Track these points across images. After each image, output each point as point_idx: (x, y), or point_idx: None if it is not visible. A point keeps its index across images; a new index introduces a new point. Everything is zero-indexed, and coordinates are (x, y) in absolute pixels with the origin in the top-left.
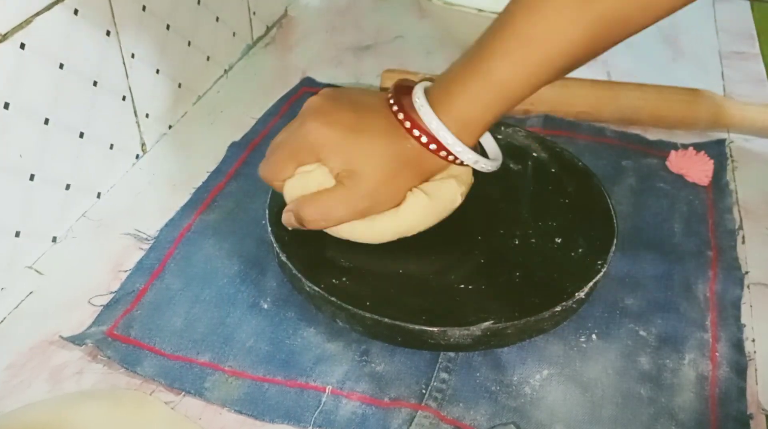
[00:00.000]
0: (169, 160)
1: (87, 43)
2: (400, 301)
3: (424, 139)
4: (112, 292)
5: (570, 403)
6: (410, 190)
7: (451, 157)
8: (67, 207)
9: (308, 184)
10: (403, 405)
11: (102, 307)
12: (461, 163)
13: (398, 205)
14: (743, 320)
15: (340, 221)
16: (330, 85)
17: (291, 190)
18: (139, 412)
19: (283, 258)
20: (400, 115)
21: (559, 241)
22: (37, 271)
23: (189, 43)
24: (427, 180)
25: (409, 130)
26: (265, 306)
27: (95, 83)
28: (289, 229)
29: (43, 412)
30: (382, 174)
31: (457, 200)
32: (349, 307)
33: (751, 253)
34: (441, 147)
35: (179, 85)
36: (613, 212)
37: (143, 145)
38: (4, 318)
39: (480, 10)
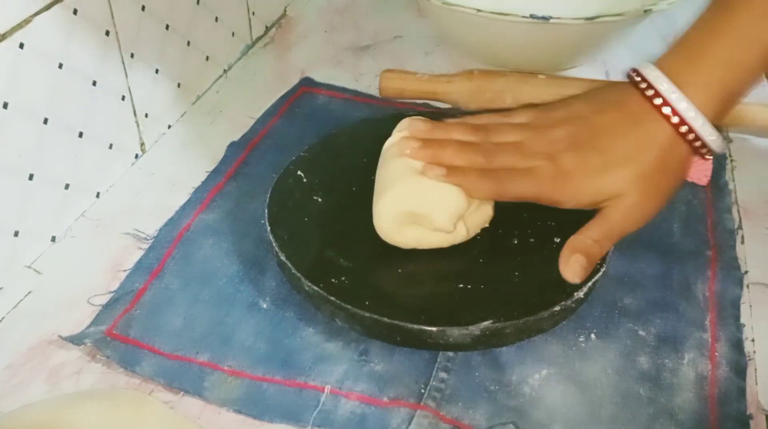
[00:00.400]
0: (169, 159)
1: (86, 42)
2: (399, 300)
3: (675, 119)
4: (111, 292)
5: (569, 402)
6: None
7: (697, 143)
8: (66, 207)
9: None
10: (402, 404)
11: (101, 307)
12: (701, 147)
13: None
14: (743, 320)
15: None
16: (329, 85)
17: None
18: (138, 411)
19: (282, 257)
20: (650, 92)
21: (558, 240)
22: (36, 271)
23: (188, 43)
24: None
25: (659, 108)
26: (264, 305)
27: (94, 83)
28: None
29: (42, 412)
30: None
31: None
32: (348, 306)
33: (750, 253)
34: (690, 129)
35: (178, 85)
36: None
37: (142, 144)
38: (3, 318)
39: (478, 10)
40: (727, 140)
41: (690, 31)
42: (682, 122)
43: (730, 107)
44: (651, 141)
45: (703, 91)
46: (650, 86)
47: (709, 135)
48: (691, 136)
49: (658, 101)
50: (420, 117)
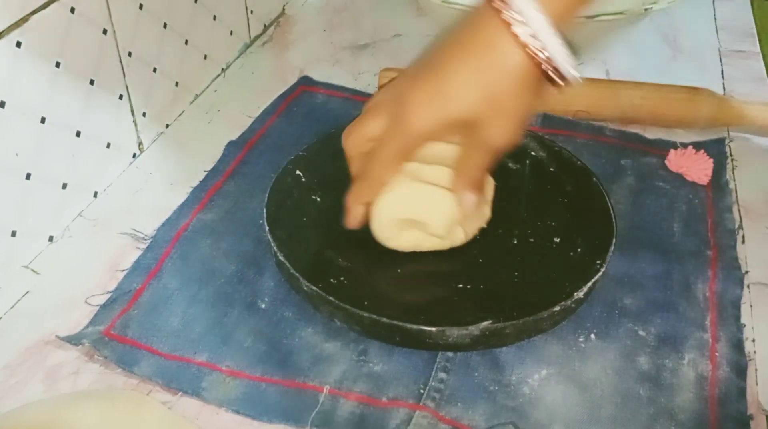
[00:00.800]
0: (166, 159)
1: (84, 41)
2: (398, 300)
3: (519, 30)
4: (108, 292)
5: (569, 403)
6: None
7: (536, 45)
8: (63, 206)
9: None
10: (401, 405)
11: (99, 307)
12: (547, 62)
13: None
14: (743, 320)
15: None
16: (328, 84)
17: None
18: (136, 412)
19: (281, 257)
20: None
21: (558, 240)
22: (34, 271)
23: (186, 42)
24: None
25: (499, 12)
26: (263, 306)
27: (92, 82)
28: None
29: (39, 412)
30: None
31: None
32: (347, 306)
33: (750, 253)
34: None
35: (176, 84)
36: (611, 211)
37: (140, 144)
38: (0, 318)
39: None
40: (728, 140)
41: None
42: (533, 40)
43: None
44: (488, 56)
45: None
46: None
47: (559, 53)
48: (536, 46)
49: (497, 5)
50: None
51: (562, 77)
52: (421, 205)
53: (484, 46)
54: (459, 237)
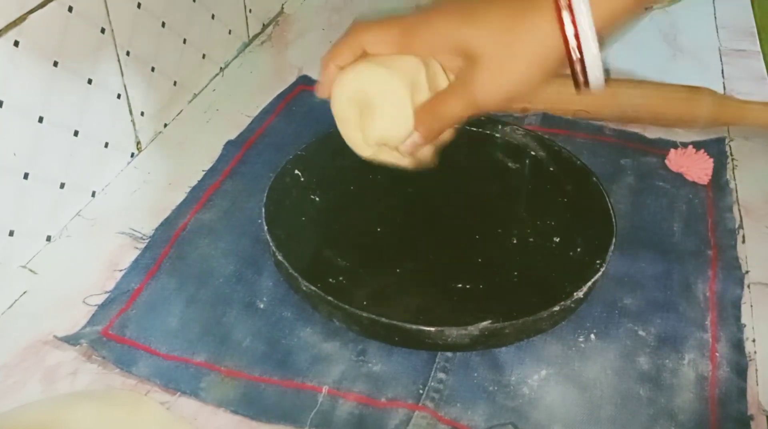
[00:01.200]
0: (165, 158)
1: (81, 40)
2: (397, 300)
3: (565, 16)
4: (106, 292)
5: (568, 403)
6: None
7: (575, 52)
8: (61, 206)
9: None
10: (400, 405)
11: (97, 307)
12: (579, 67)
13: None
14: (743, 320)
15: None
16: None
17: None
18: (134, 412)
19: (280, 257)
20: None
21: (558, 240)
22: (31, 271)
23: (184, 41)
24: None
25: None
26: (261, 306)
27: (90, 81)
28: (408, 155)
29: (38, 412)
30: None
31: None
32: (346, 306)
33: (751, 253)
34: (576, 36)
35: (174, 83)
36: (611, 211)
37: (138, 143)
38: None
39: None
40: (728, 139)
41: None
42: (574, 32)
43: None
44: (525, 18)
45: (603, 7)
46: None
47: (592, 55)
48: (573, 43)
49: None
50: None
51: (586, 80)
52: (379, 91)
53: (532, 29)
54: (423, 156)
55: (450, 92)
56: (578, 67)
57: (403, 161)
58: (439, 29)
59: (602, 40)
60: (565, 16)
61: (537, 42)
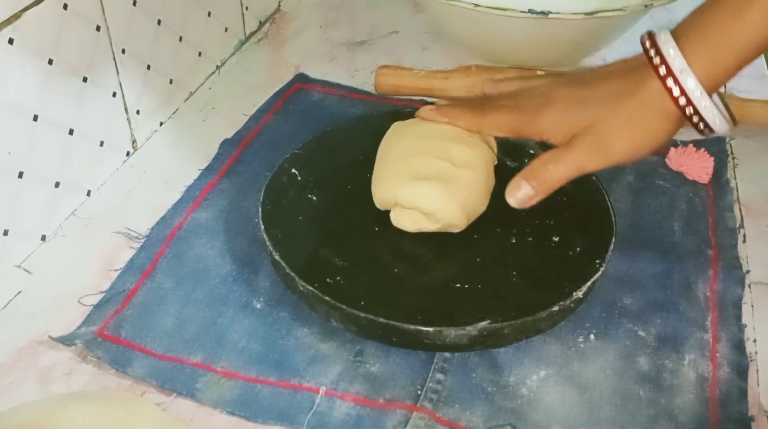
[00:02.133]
0: (161, 157)
1: (77, 38)
2: (395, 300)
3: (669, 83)
4: (102, 292)
5: (568, 404)
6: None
7: (689, 110)
8: (56, 205)
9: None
10: (398, 406)
11: (92, 307)
12: (697, 119)
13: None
14: (744, 320)
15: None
16: (324, 82)
17: None
18: (130, 413)
19: (277, 257)
20: (652, 52)
21: (557, 239)
22: (26, 271)
23: (180, 39)
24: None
25: (656, 67)
26: (258, 306)
27: (85, 79)
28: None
29: (32, 413)
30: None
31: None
32: (344, 306)
33: (752, 252)
34: (683, 94)
35: (170, 81)
36: (611, 210)
37: (134, 142)
38: None
39: (476, 5)
40: (729, 138)
41: (708, 3)
42: (681, 92)
43: (727, 79)
44: (638, 87)
45: (705, 64)
46: (656, 48)
47: (706, 108)
48: (682, 101)
49: (656, 61)
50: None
51: (708, 127)
52: (430, 203)
53: (647, 100)
54: (456, 221)
55: (561, 159)
56: (696, 119)
57: (430, 227)
58: (560, 118)
59: (716, 88)
60: (670, 82)
61: (652, 112)
